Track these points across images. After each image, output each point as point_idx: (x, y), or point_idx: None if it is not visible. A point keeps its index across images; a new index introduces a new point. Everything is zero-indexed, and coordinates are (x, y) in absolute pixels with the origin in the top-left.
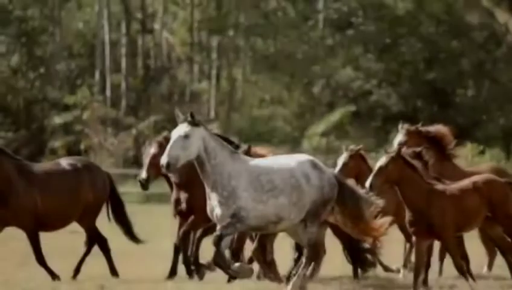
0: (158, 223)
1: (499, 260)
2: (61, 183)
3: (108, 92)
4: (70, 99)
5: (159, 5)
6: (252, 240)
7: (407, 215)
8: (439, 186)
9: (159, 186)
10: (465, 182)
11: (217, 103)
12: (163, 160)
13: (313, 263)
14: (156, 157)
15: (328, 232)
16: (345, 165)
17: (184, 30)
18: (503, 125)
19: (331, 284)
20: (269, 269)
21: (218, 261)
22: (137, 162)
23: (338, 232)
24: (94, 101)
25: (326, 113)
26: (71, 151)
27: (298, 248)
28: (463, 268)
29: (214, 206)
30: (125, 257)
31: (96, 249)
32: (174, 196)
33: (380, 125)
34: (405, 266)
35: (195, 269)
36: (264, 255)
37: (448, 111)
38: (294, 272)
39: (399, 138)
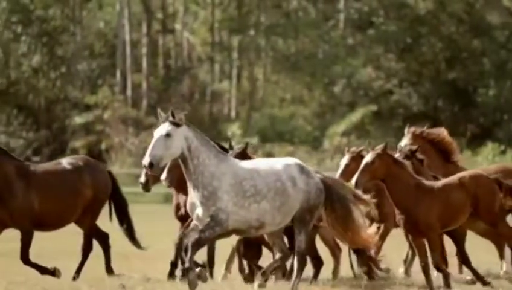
0: (176, 223)
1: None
2: (60, 183)
3: (129, 92)
4: (91, 99)
5: (179, 4)
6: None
7: (397, 214)
8: (426, 183)
9: None
10: (452, 178)
11: (238, 103)
12: (146, 160)
13: (301, 269)
14: None
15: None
16: (346, 166)
17: (205, 30)
18: None
19: (334, 285)
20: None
21: (189, 265)
22: None
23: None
24: (115, 101)
25: (347, 112)
26: (92, 151)
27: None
28: (441, 267)
29: (195, 205)
30: (136, 256)
31: (97, 250)
32: (174, 201)
33: (401, 125)
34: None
35: (209, 270)
36: (249, 250)
37: (470, 111)
38: (267, 269)
39: (404, 141)
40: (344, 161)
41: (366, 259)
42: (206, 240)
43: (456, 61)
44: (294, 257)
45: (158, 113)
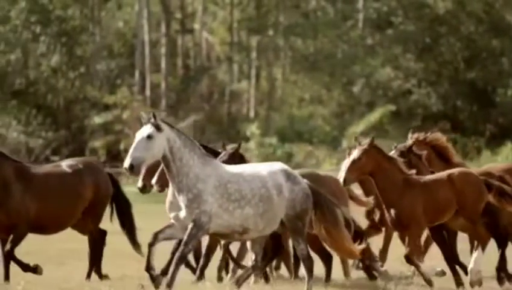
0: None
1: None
2: (60, 185)
3: (148, 92)
4: (110, 99)
5: (198, 4)
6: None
7: (385, 211)
8: (415, 178)
9: None
10: (441, 174)
11: (257, 103)
12: (126, 162)
13: (310, 274)
14: (153, 166)
15: None
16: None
17: (224, 30)
18: None
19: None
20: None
21: (173, 274)
22: None
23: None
24: (134, 101)
25: (366, 112)
26: (111, 150)
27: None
28: (412, 260)
29: (175, 205)
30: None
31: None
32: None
33: (420, 125)
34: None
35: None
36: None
37: (489, 110)
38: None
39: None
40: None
41: (365, 260)
42: (190, 252)
43: (475, 61)
44: (302, 264)
45: (140, 115)
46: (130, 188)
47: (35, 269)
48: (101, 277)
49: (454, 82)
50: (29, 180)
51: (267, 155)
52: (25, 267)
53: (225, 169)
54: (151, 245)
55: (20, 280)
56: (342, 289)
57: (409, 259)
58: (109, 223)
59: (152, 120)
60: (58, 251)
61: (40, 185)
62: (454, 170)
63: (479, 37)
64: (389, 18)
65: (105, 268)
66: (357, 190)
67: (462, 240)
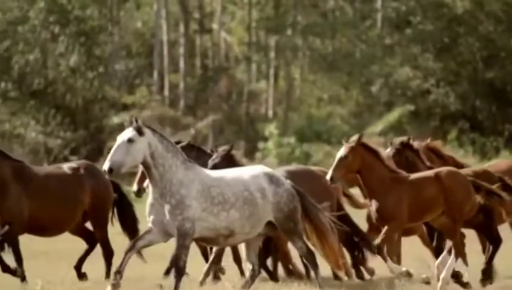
0: None
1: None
2: (58, 187)
3: (166, 92)
4: (128, 98)
5: (217, 4)
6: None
7: (371, 204)
8: (402, 174)
9: None
10: (429, 172)
11: (275, 103)
12: (105, 165)
13: (316, 269)
14: None
15: None
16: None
17: (242, 29)
18: None
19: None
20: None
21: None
22: None
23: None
24: (152, 101)
25: (385, 112)
26: None
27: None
28: (382, 252)
29: (162, 215)
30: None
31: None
32: None
33: (439, 125)
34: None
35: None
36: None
37: (507, 110)
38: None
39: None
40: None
41: (356, 258)
42: (185, 262)
43: (494, 60)
44: (306, 262)
45: (123, 119)
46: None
47: (15, 272)
48: (80, 276)
49: (473, 82)
50: (27, 181)
51: (285, 155)
52: (5, 269)
53: (207, 174)
54: (127, 252)
55: (38, 280)
56: (341, 288)
57: (379, 249)
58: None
59: (134, 124)
60: (76, 251)
61: (38, 186)
62: (442, 169)
63: (497, 37)
64: (408, 18)
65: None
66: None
67: (474, 240)
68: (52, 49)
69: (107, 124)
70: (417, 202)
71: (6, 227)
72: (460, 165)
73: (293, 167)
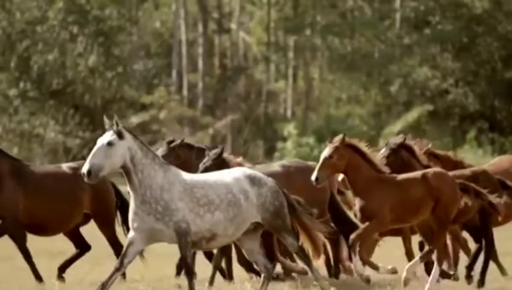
0: None
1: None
2: (56, 186)
3: (185, 92)
4: (147, 98)
5: (235, 4)
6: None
7: (356, 203)
8: (389, 175)
9: None
10: (416, 173)
11: (294, 102)
12: (84, 168)
13: (309, 263)
14: None
15: None
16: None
17: (261, 29)
18: None
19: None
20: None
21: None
22: None
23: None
24: (171, 101)
25: (403, 112)
26: None
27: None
28: (354, 250)
29: (149, 221)
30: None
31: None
32: None
33: (457, 125)
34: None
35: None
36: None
37: None
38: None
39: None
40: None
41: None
42: (192, 262)
43: None
44: (298, 258)
45: (104, 121)
46: None
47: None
48: (60, 276)
49: (492, 81)
50: (24, 178)
51: (304, 155)
52: None
53: (188, 176)
54: (115, 271)
55: (56, 282)
56: (341, 287)
57: (353, 243)
58: None
59: (114, 127)
60: (93, 251)
61: (35, 184)
62: (429, 170)
63: None
64: (427, 17)
65: (141, 269)
66: None
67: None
68: (71, 49)
69: (125, 124)
70: (403, 203)
71: None
72: (460, 165)
73: (289, 161)
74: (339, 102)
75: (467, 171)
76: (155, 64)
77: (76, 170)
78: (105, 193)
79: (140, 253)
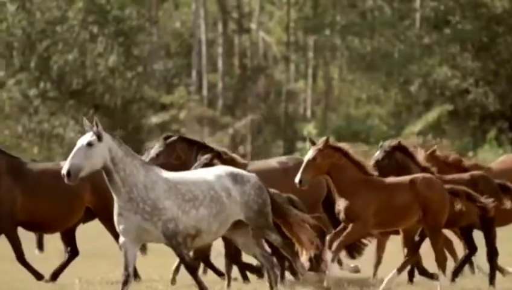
0: None
1: None
2: (55, 183)
3: (205, 92)
4: (167, 98)
5: (255, 4)
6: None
7: (337, 201)
8: (376, 179)
9: None
10: (404, 178)
11: (314, 102)
12: (64, 169)
13: (294, 257)
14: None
15: None
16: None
17: (280, 29)
18: None
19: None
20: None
21: (200, 285)
22: None
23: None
24: (191, 101)
25: (423, 112)
26: None
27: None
28: (337, 251)
29: (135, 220)
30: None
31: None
32: None
33: (477, 124)
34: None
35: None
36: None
37: None
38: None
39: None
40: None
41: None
42: (190, 259)
43: None
44: (283, 252)
45: (84, 123)
46: None
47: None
48: (54, 279)
49: None
50: (22, 175)
51: None
52: None
53: (169, 174)
54: (125, 284)
55: (76, 279)
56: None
57: (330, 243)
58: None
59: (94, 128)
60: (116, 250)
61: (34, 181)
62: (418, 175)
63: None
64: (446, 17)
65: (159, 269)
66: None
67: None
68: (91, 49)
69: (145, 123)
70: (388, 208)
71: None
72: (466, 168)
73: (287, 157)
74: (359, 102)
75: (465, 176)
76: (175, 64)
77: None
78: (106, 188)
79: (142, 249)
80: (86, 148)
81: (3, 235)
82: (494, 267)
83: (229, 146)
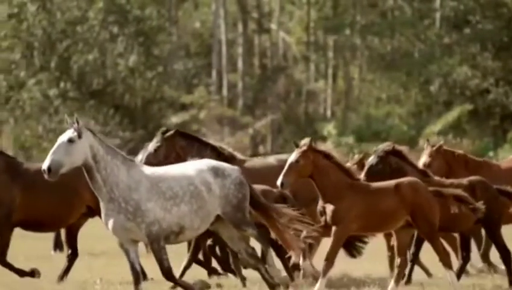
0: None
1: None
2: (53, 182)
3: (225, 92)
4: (187, 98)
5: (275, 4)
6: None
7: (319, 205)
8: (361, 183)
9: None
10: (389, 183)
11: (333, 102)
12: (44, 165)
13: (267, 249)
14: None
15: None
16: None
17: (300, 29)
18: None
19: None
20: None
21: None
22: None
23: None
24: (211, 101)
25: (443, 112)
26: None
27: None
28: (331, 260)
29: (119, 220)
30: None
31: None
32: None
33: (498, 124)
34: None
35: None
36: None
37: None
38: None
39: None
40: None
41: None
42: (168, 263)
43: None
44: (258, 242)
45: (65, 119)
46: None
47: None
48: (34, 275)
49: None
50: (20, 174)
51: (343, 155)
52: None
53: (151, 170)
54: (136, 283)
55: (98, 279)
56: (339, 287)
57: (328, 261)
58: None
59: (75, 125)
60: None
61: (32, 180)
62: (403, 180)
63: None
64: (467, 17)
65: (176, 269)
66: None
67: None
68: (111, 49)
69: (165, 123)
70: (373, 212)
71: None
72: (473, 163)
73: (285, 155)
74: (379, 102)
75: (463, 181)
76: (195, 64)
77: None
78: None
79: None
80: (67, 144)
81: (18, 236)
82: (510, 267)
83: (249, 146)
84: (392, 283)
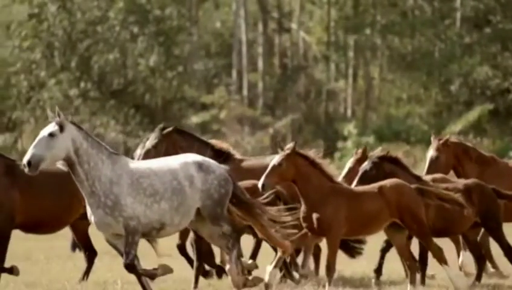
0: None
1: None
2: (52, 183)
3: (245, 91)
4: (207, 98)
5: (295, 4)
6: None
7: (302, 209)
8: (344, 186)
9: None
10: (373, 185)
11: (354, 102)
12: (25, 159)
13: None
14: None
15: None
16: (349, 170)
17: (321, 29)
18: None
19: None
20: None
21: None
22: None
23: None
24: (231, 101)
25: (464, 111)
26: None
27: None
28: (331, 267)
29: (98, 214)
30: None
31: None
32: None
33: None
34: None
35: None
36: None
37: None
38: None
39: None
40: (349, 164)
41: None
42: (133, 255)
43: None
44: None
45: (48, 113)
46: None
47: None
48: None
49: None
50: (19, 177)
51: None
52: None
53: (135, 165)
54: (142, 274)
55: (118, 280)
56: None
57: (329, 268)
58: None
59: (56, 118)
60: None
61: (31, 182)
62: (386, 182)
63: None
64: (487, 16)
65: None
66: None
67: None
68: (132, 49)
69: (186, 123)
70: (357, 215)
71: None
72: (483, 160)
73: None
74: (399, 101)
75: (459, 185)
76: (215, 64)
77: None
78: None
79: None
80: (48, 138)
81: (34, 237)
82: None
83: (270, 146)
84: (409, 287)
